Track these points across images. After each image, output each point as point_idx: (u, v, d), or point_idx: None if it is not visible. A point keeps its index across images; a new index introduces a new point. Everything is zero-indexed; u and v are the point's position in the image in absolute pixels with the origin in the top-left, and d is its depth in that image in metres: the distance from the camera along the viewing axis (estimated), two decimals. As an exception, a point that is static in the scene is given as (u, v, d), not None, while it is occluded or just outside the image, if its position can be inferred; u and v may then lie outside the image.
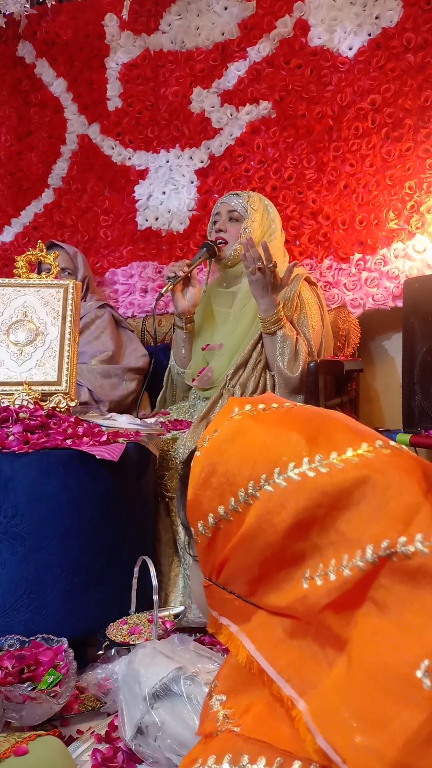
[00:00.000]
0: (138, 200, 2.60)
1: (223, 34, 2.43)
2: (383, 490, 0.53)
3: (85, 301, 2.29)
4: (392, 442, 0.57)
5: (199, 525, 0.60)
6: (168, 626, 1.36)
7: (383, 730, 0.47)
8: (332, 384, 2.00)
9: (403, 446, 0.57)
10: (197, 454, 0.62)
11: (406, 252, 2.10)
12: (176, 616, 1.47)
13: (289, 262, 2.11)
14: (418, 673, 0.47)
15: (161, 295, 1.97)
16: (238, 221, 1.95)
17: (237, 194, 2.00)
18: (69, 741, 1.14)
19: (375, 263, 2.15)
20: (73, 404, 1.63)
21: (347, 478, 0.53)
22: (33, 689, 1.11)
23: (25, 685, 1.12)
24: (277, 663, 0.55)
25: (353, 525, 0.52)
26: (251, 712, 0.56)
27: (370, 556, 0.51)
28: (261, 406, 0.63)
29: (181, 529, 1.63)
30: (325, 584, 0.52)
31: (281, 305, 1.76)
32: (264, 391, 1.81)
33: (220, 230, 1.98)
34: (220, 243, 1.97)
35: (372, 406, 2.36)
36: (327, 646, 0.54)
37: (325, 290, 2.21)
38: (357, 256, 2.18)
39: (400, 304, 2.06)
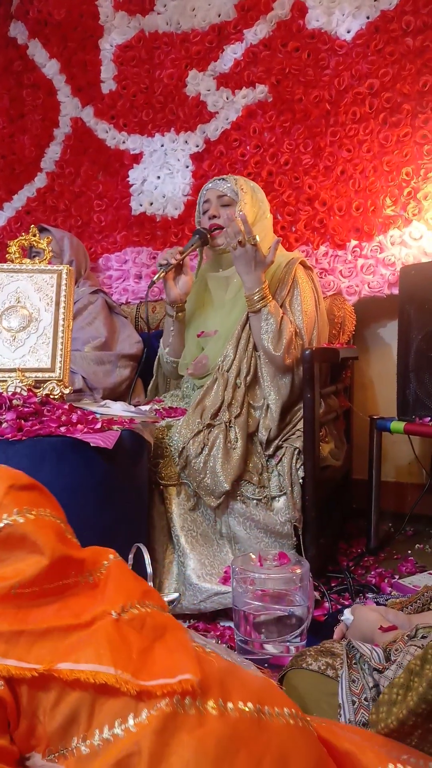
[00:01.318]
0: (132, 185, 2.58)
1: (219, 16, 2.40)
2: None
3: (78, 286, 2.27)
4: None
5: None
6: (162, 613, 1.36)
7: None
8: (327, 371, 2.00)
9: None
10: None
11: (402, 239, 2.09)
12: (170, 602, 1.47)
13: (284, 248, 2.10)
14: (12, 590, 0.69)
15: (153, 283, 1.94)
16: (230, 205, 1.92)
17: (223, 179, 1.97)
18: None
19: (371, 250, 2.13)
20: (67, 391, 1.61)
21: None
22: None
23: None
24: None
25: None
26: None
27: None
28: None
29: (176, 517, 1.63)
30: None
31: (266, 282, 1.74)
32: (255, 373, 1.78)
33: (214, 216, 1.95)
34: (215, 230, 1.95)
35: (366, 394, 2.36)
36: None
37: (321, 277, 2.20)
38: (353, 242, 2.16)
39: (396, 291, 2.05)
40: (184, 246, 1.97)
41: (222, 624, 1.54)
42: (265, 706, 0.64)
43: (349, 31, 2.18)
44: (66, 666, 0.63)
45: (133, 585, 0.76)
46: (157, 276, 1.91)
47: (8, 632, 0.67)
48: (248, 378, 1.78)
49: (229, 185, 1.93)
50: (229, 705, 0.63)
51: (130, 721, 0.61)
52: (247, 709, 0.63)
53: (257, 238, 1.71)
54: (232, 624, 1.45)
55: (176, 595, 1.50)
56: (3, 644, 0.66)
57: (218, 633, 1.48)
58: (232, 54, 2.39)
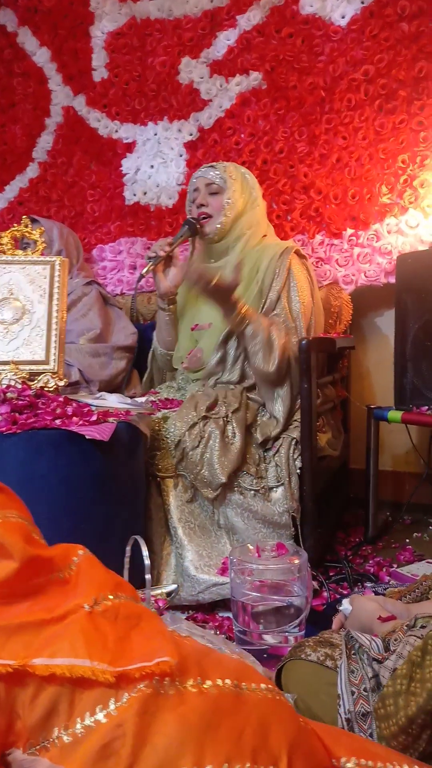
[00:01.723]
0: (125, 174, 2.55)
1: (212, 1, 2.37)
2: None
3: (71, 278, 2.25)
4: None
5: None
6: (161, 604, 1.36)
7: None
8: (324, 361, 1.99)
9: None
10: None
11: (399, 227, 2.07)
12: (169, 594, 1.46)
13: (279, 237, 2.09)
14: None
15: (142, 276, 1.93)
16: (219, 193, 1.90)
17: (212, 166, 1.95)
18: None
19: (367, 239, 2.12)
20: (61, 383, 1.60)
21: None
22: None
23: None
24: None
25: None
26: None
27: None
28: None
29: (173, 509, 1.62)
30: None
31: (241, 301, 1.70)
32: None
33: (202, 205, 1.92)
34: (203, 218, 1.92)
35: (363, 383, 2.35)
36: None
37: (317, 266, 2.19)
38: (349, 231, 2.15)
39: (392, 280, 2.04)
40: (173, 237, 1.95)
41: (220, 615, 1.54)
42: (242, 683, 0.66)
43: (343, 17, 2.16)
44: (41, 661, 0.63)
45: (104, 577, 0.75)
46: (146, 269, 1.90)
47: None
48: (245, 382, 1.77)
49: (218, 172, 1.91)
50: (208, 682, 0.64)
51: (111, 706, 0.61)
52: (225, 685, 0.64)
53: (215, 277, 1.64)
54: (230, 615, 1.45)
55: (174, 586, 1.49)
56: None
57: (217, 624, 1.48)
58: (225, 40, 2.36)
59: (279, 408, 1.72)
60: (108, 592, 0.72)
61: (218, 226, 1.90)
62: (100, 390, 1.98)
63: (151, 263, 1.89)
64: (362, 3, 2.13)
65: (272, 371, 1.67)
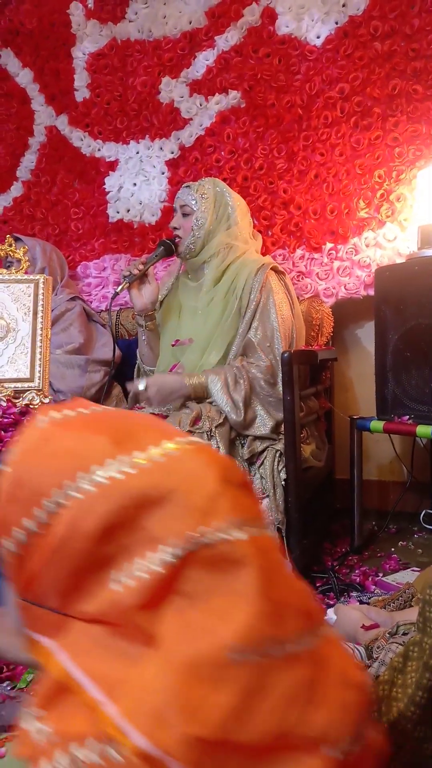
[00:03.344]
0: (109, 192, 2.58)
1: (190, 23, 2.41)
2: (184, 483, 0.53)
3: (55, 294, 2.27)
4: (193, 438, 0.58)
5: (8, 543, 0.57)
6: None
7: (196, 714, 0.46)
8: (306, 373, 2.01)
9: (202, 442, 0.58)
10: (6, 469, 0.58)
11: (377, 240, 2.11)
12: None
13: (262, 253, 2.12)
14: (228, 654, 0.48)
15: (116, 294, 1.96)
16: (191, 215, 1.95)
17: (189, 186, 1.98)
18: (50, 738, 1.14)
19: (346, 252, 2.16)
20: (47, 401, 1.61)
21: (153, 477, 0.53)
22: (13, 688, 1.11)
23: (4, 684, 1.11)
24: (87, 667, 0.53)
25: (159, 522, 0.52)
26: (60, 711, 0.54)
27: (175, 550, 0.51)
28: (68, 411, 0.60)
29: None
30: (135, 584, 0.52)
31: (186, 381, 1.75)
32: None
33: (175, 227, 1.98)
34: (177, 239, 1.97)
35: (347, 395, 2.38)
36: (139, 644, 0.52)
37: (298, 280, 2.22)
38: (329, 245, 2.19)
39: (371, 292, 2.08)
40: (147, 256, 2.00)
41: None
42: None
43: (318, 37, 2.21)
44: None
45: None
46: (120, 287, 1.93)
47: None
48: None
49: (190, 193, 1.95)
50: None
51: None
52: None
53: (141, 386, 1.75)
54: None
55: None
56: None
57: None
58: (204, 60, 2.40)
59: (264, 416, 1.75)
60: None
61: (189, 246, 1.94)
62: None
63: (125, 281, 1.93)
64: (336, 23, 2.18)
65: (240, 420, 1.72)
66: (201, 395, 1.76)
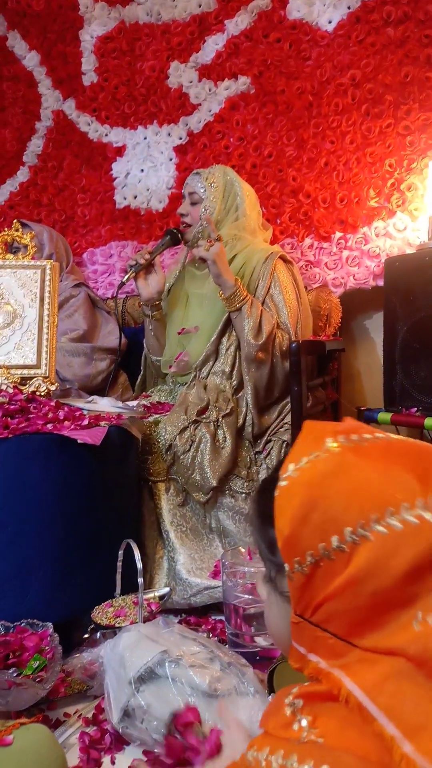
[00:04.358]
0: (116, 178, 2.56)
1: (200, 6, 2.38)
2: None
3: (60, 281, 2.25)
4: None
5: (296, 562, 0.58)
6: (153, 608, 1.36)
7: None
8: (314, 364, 2.00)
9: None
10: (283, 484, 0.59)
11: (386, 230, 2.09)
12: (161, 597, 1.47)
13: (271, 242, 2.10)
14: None
15: (122, 284, 1.95)
16: (199, 203, 1.93)
17: (198, 173, 1.96)
18: (56, 724, 1.14)
19: (356, 242, 2.13)
20: (53, 388, 1.60)
21: None
22: (18, 675, 1.11)
23: (10, 671, 1.12)
24: (379, 700, 0.53)
25: None
26: (334, 723, 0.54)
27: None
28: (355, 437, 0.60)
29: (165, 512, 1.63)
30: None
31: (239, 280, 1.76)
32: (240, 372, 1.80)
33: (182, 214, 1.96)
34: (184, 226, 1.96)
35: (354, 386, 2.37)
36: None
37: (307, 270, 2.20)
38: (338, 234, 2.16)
39: (381, 283, 2.06)
40: (154, 245, 1.99)
41: (213, 618, 1.55)
42: None
43: (330, 22, 2.18)
44: None
45: None
46: (126, 277, 1.92)
47: None
48: (234, 382, 1.79)
49: (200, 181, 1.93)
50: None
51: None
52: None
53: (220, 238, 1.75)
54: (223, 618, 1.46)
55: (167, 590, 1.50)
56: None
57: (210, 626, 1.49)
58: (213, 45, 2.37)
59: (250, 388, 1.76)
60: None
61: (197, 234, 1.93)
62: (79, 390, 1.99)
63: (131, 271, 1.91)
64: (348, 8, 2.14)
65: (260, 343, 1.71)
66: (234, 303, 1.75)
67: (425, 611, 0.52)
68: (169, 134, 2.47)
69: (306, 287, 2.07)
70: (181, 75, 2.42)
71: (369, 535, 0.54)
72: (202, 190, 1.91)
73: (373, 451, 0.58)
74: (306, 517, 0.57)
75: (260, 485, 0.66)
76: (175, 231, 1.96)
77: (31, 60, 2.69)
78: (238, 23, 2.31)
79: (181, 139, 2.45)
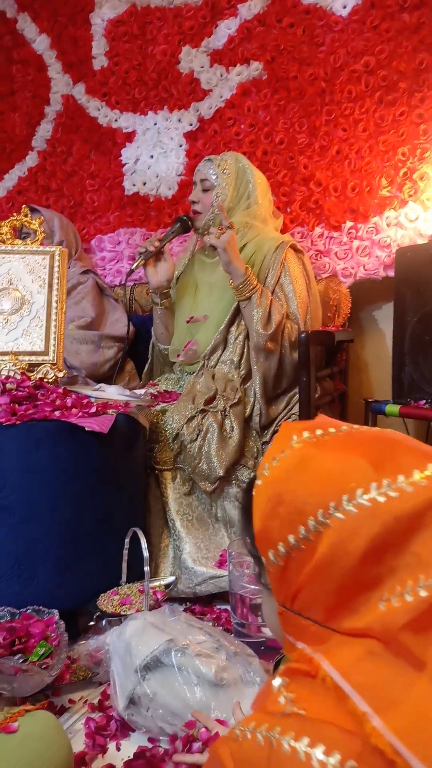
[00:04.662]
0: (125, 164, 2.54)
1: (212, -10, 2.34)
2: None
3: (68, 267, 2.24)
4: None
5: (270, 554, 0.61)
6: (159, 596, 1.37)
7: None
8: (322, 355, 1.99)
9: None
10: (258, 483, 0.63)
11: (398, 220, 2.07)
12: (167, 586, 1.47)
13: (281, 231, 2.08)
14: None
15: (132, 271, 1.95)
16: (211, 190, 1.91)
17: (210, 160, 1.94)
18: (61, 710, 1.15)
19: (367, 231, 2.11)
20: (61, 375, 1.60)
21: (418, 502, 0.55)
22: (24, 661, 1.11)
23: (16, 657, 1.12)
24: (353, 679, 0.55)
25: (428, 546, 0.54)
26: (315, 699, 0.57)
27: None
28: (319, 431, 0.63)
29: (171, 501, 1.63)
30: (403, 605, 0.54)
31: (250, 269, 1.74)
32: (248, 362, 1.79)
33: (194, 201, 1.94)
34: (194, 214, 1.94)
35: (361, 377, 2.36)
36: (407, 665, 0.54)
37: (316, 259, 2.18)
38: (349, 224, 2.14)
39: (391, 273, 2.04)
40: (164, 233, 1.97)
41: (218, 607, 1.55)
42: None
43: (344, 7, 2.14)
44: None
45: None
46: (135, 264, 1.91)
47: None
48: (242, 371, 1.78)
49: (212, 168, 1.91)
50: None
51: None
52: None
53: (232, 225, 1.73)
54: (228, 607, 1.46)
55: (172, 578, 1.51)
56: None
57: (215, 616, 1.49)
58: (226, 30, 2.34)
59: (258, 377, 1.75)
60: None
61: (208, 222, 1.91)
62: (86, 377, 1.99)
63: (141, 258, 1.90)
64: (364, -7, 2.11)
65: (269, 333, 1.70)
66: (244, 292, 1.74)
67: (390, 592, 0.55)
68: (179, 120, 2.44)
69: (315, 277, 2.05)
70: (192, 60, 2.39)
71: (329, 523, 0.57)
72: (214, 177, 1.89)
73: (332, 443, 0.62)
74: (274, 511, 0.60)
75: (246, 485, 0.70)
76: (185, 218, 1.94)
77: (41, 43, 2.67)
78: (251, 7, 2.28)
79: (191, 125, 2.43)
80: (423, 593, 0.53)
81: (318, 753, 0.52)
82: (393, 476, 0.56)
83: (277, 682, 0.61)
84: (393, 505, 0.55)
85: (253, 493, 0.63)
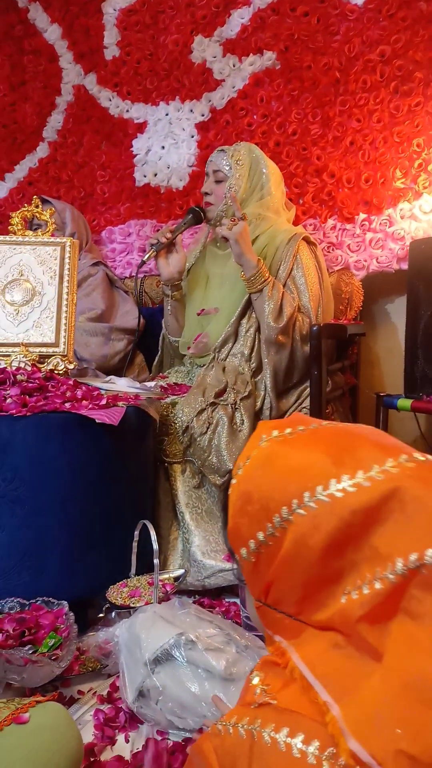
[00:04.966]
0: (136, 155, 2.52)
1: (226, -22, 2.31)
2: (409, 504, 0.55)
3: (79, 259, 2.23)
4: (417, 454, 0.59)
5: (242, 552, 0.63)
6: (168, 589, 1.36)
7: (416, 739, 0.49)
8: (334, 348, 1.97)
9: (430, 456, 0.59)
10: (233, 482, 0.65)
11: (412, 212, 2.04)
12: (176, 579, 1.47)
13: (294, 223, 2.07)
14: None
15: (143, 262, 1.94)
16: (224, 181, 1.89)
17: (223, 150, 1.93)
18: (70, 702, 1.15)
19: (380, 224, 2.09)
20: (71, 367, 1.60)
21: (374, 496, 0.56)
22: (34, 652, 1.11)
23: (26, 648, 1.12)
24: (317, 670, 0.57)
25: (385, 540, 0.55)
26: (286, 690, 0.59)
27: (400, 569, 0.53)
28: (288, 430, 0.65)
29: (180, 494, 1.63)
30: (360, 598, 0.55)
31: (262, 261, 1.73)
32: (259, 355, 1.78)
33: (206, 193, 1.93)
34: (207, 204, 1.92)
35: (373, 371, 2.34)
36: (366, 656, 0.55)
37: (329, 251, 2.16)
38: (362, 216, 2.12)
39: (404, 266, 2.02)
40: (176, 224, 1.96)
41: (227, 600, 1.55)
42: None
43: (360, -5, 2.11)
44: None
45: None
46: (147, 255, 1.90)
47: None
48: (253, 364, 1.77)
49: (225, 158, 1.89)
50: None
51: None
52: None
53: (245, 216, 1.72)
54: (237, 600, 1.46)
55: (182, 571, 1.50)
56: None
57: (223, 609, 1.49)
58: (239, 19, 2.31)
59: (269, 370, 1.74)
60: None
61: (221, 213, 1.89)
62: (96, 369, 1.98)
63: (153, 249, 1.89)
64: (380, -19, 2.08)
65: (280, 326, 1.70)
66: (255, 284, 1.73)
67: (352, 585, 0.56)
68: (191, 111, 2.42)
69: (328, 269, 2.03)
70: (204, 50, 2.37)
71: (292, 519, 0.58)
72: (227, 168, 1.88)
73: (298, 441, 0.64)
74: (243, 509, 0.62)
75: (226, 484, 0.73)
76: (197, 209, 1.93)
77: (52, 33, 2.65)
78: (264, -4, 2.25)
79: (203, 115, 2.40)
80: (378, 585, 0.54)
81: (297, 742, 0.54)
82: (353, 471, 0.57)
83: (254, 675, 0.63)
84: (350, 500, 0.56)
85: (229, 492, 0.65)
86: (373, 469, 0.57)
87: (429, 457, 0.59)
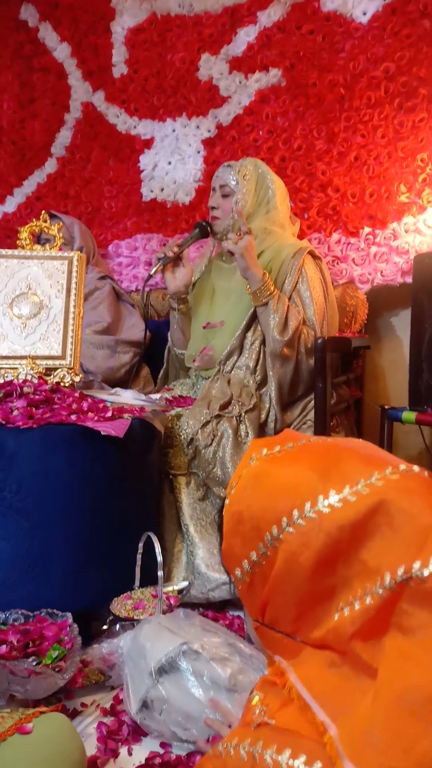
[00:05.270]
0: (143, 170, 2.55)
1: (232, -3, 2.35)
2: (395, 516, 0.55)
3: (86, 273, 2.26)
4: (402, 465, 0.59)
5: (237, 572, 0.63)
6: (172, 602, 1.36)
7: (408, 753, 0.48)
8: (338, 361, 1.98)
9: (415, 468, 0.58)
10: (227, 502, 0.65)
11: (416, 226, 2.06)
12: (180, 591, 1.47)
13: (298, 237, 2.08)
14: None
15: (150, 276, 1.96)
16: (230, 195, 1.91)
17: (230, 165, 1.95)
18: (73, 714, 1.15)
19: (384, 238, 2.10)
20: (77, 379, 1.61)
21: (360, 510, 0.55)
22: (38, 664, 1.12)
23: (30, 660, 1.12)
24: (314, 689, 0.57)
25: (373, 554, 0.55)
26: (285, 710, 0.59)
27: (388, 583, 0.52)
28: (277, 448, 0.65)
29: (185, 506, 1.63)
30: (351, 614, 0.55)
31: (267, 274, 1.74)
32: (264, 368, 1.79)
33: (213, 207, 1.95)
34: (214, 219, 1.94)
35: (378, 384, 2.34)
36: (362, 674, 0.55)
37: (334, 265, 2.18)
38: (366, 230, 2.13)
39: (409, 280, 2.03)
40: (183, 238, 1.98)
41: (231, 613, 1.54)
42: None
43: (365, 13, 2.14)
44: None
45: None
46: (154, 269, 1.92)
47: None
48: (258, 377, 1.78)
49: (231, 173, 1.91)
50: None
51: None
52: None
53: (250, 231, 1.75)
54: (241, 613, 1.45)
55: (186, 583, 1.50)
56: None
57: (227, 622, 1.49)
58: (245, 37, 2.35)
59: (274, 384, 1.75)
60: None
61: (226, 227, 1.91)
62: (102, 382, 2.00)
63: (159, 263, 1.91)
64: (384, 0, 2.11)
65: (285, 339, 1.70)
66: (261, 298, 1.74)
67: (344, 601, 0.56)
68: (197, 127, 2.46)
69: (332, 283, 2.05)
70: (211, 67, 2.41)
71: (282, 538, 0.58)
72: (233, 183, 1.90)
73: (286, 458, 0.63)
74: (235, 529, 0.62)
75: (222, 504, 0.73)
76: (204, 224, 1.95)
77: (61, 52, 2.70)
78: (270, 15, 2.29)
79: (209, 132, 2.44)
80: (368, 600, 0.53)
81: (300, 764, 0.53)
82: (339, 486, 0.57)
83: (254, 695, 0.62)
84: (336, 516, 0.55)
85: (223, 513, 0.66)
86: (359, 483, 0.57)
87: (415, 467, 0.59)
